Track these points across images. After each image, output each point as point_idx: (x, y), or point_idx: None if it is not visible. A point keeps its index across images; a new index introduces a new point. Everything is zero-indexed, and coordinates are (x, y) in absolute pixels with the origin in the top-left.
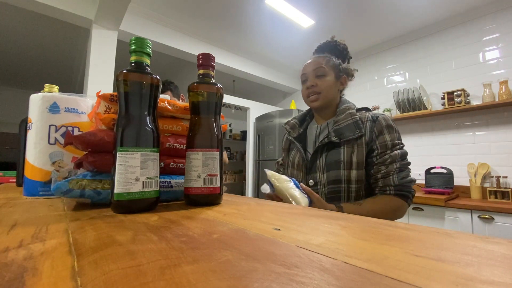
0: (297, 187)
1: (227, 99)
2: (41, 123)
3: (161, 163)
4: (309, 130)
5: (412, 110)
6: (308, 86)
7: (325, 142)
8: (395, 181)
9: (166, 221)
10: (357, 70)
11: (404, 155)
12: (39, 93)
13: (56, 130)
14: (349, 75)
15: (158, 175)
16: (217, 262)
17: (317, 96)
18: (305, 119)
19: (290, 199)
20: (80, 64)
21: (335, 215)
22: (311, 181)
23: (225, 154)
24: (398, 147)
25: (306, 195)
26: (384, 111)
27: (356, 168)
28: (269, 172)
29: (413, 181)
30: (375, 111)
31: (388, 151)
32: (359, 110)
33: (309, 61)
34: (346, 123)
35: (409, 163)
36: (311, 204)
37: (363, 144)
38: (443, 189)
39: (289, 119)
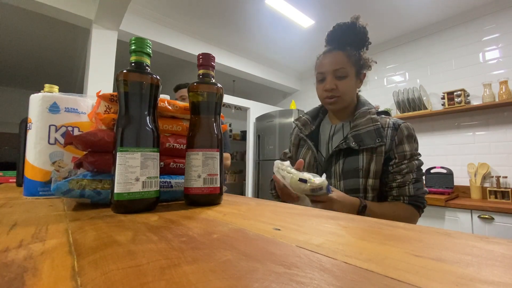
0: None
1: (227, 99)
2: (41, 123)
3: (161, 163)
4: (322, 129)
5: (412, 110)
6: (327, 88)
7: (343, 147)
8: (411, 191)
9: (166, 221)
10: (376, 62)
11: (420, 166)
12: (39, 93)
13: (56, 130)
14: (368, 67)
15: (158, 175)
16: (217, 262)
17: (336, 99)
18: (317, 115)
19: (305, 186)
20: (80, 64)
21: (335, 215)
22: None
23: (227, 155)
24: (416, 157)
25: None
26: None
27: (374, 177)
28: (277, 164)
29: (426, 192)
30: (396, 118)
31: (406, 161)
32: (378, 114)
33: (327, 57)
34: (366, 129)
35: (423, 174)
36: (329, 188)
37: (382, 152)
38: (443, 189)
39: (301, 115)
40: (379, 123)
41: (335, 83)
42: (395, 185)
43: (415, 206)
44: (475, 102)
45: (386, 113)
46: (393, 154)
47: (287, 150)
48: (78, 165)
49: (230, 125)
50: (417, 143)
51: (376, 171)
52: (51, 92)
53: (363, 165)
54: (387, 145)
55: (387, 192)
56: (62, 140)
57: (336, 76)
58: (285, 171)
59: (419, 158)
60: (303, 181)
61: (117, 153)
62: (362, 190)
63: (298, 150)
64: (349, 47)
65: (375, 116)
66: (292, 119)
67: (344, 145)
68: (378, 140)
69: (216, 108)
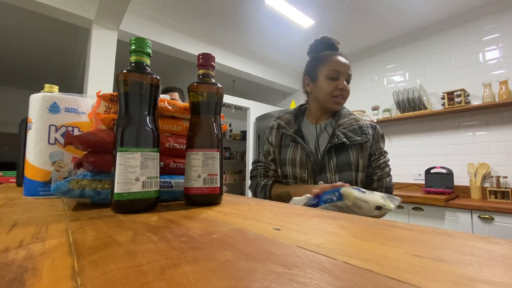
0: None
1: (227, 99)
2: (41, 123)
3: (161, 163)
4: (305, 129)
5: (412, 110)
6: (342, 87)
7: (337, 143)
8: (387, 183)
9: (166, 221)
10: None
11: (389, 162)
12: (39, 93)
13: (56, 130)
14: None
15: (158, 175)
16: (217, 262)
17: (343, 101)
18: (297, 116)
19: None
20: (80, 64)
21: (335, 215)
22: (321, 182)
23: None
24: (386, 154)
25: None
26: (384, 111)
27: (362, 170)
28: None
29: (393, 184)
30: (367, 121)
31: (382, 157)
32: None
33: (342, 59)
34: (352, 127)
35: (391, 169)
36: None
37: (367, 148)
38: (443, 189)
39: (281, 114)
40: (361, 122)
41: (347, 85)
42: (375, 178)
43: None
44: (475, 102)
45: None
46: (373, 151)
47: (266, 152)
48: (78, 165)
49: (230, 125)
50: (385, 141)
51: (364, 165)
52: (51, 92)
53: (354, 160)
54: (370, 141)
55: (367, 184)
56: (62, 140)
57: (347, 80)
58: (362, 200)
59: (387, 155)
60: (379, 208)
61: (117, 153)
62: (354, 183)
63: (282, 151)
64: None
65: (356, 117)
66: None
67: (337, 140)
68: (364, 136)
69: (216, 108)
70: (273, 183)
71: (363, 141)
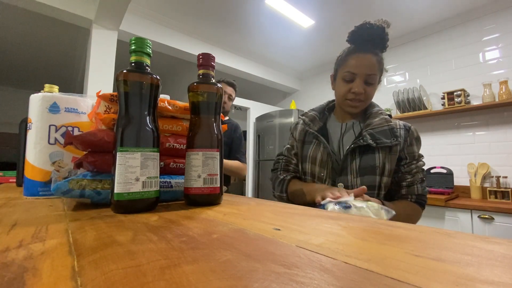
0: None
1: None
2: (41, 123)
3: (161, 163)
4: (330, 126)
5: (412, 110)
6: (355, 91)
7: (361, 144)
8: (419, 190)
9: (166, 221)
10: (387, 71)
11: (423, 166)
12: (39, 93)
13: (56, 130)
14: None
15: (158, 175)
16: (217, 262)
17: (360, 104)
18: (323, 112)
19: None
20: (80, 64)
21: (335, 215)
22: (340, 184)
23: (238, 163)
24: (421, 158)
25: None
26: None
27: (388, 175)
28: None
29: (428, 191)
30: (401, 121)
31: (415, 162)
32: None
33: (361, 59)
34: (381, 129)
35: (426, 175)
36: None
37: (397, 152)
38: (443, 189)
39: (307, 111)
40: (392, 123)
41: (364, 88)
42: (405, 184)
43: (420, 204)
44: (475, 102)
45: (390, 115)
46: (404, 154)
47: (289, 146)
48: (78, 165)
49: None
50: (421, 145)
51: (391, 169)
52: (51, 92)
53: (379, 163)
54: (401, 144)
55: (395, 190)
56: (62, 140)
57: (366, 81)
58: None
59: (423, 159)
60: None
61: (117, 153)
62: (378, 187)
63: (304, 147)
64: (378, 51)
65: (387, 117)
66: (292, 119)
67: (362, 141)
68: (394, 139)
69: (216, 108)
70: (291, 178)
71: (392, 144)
